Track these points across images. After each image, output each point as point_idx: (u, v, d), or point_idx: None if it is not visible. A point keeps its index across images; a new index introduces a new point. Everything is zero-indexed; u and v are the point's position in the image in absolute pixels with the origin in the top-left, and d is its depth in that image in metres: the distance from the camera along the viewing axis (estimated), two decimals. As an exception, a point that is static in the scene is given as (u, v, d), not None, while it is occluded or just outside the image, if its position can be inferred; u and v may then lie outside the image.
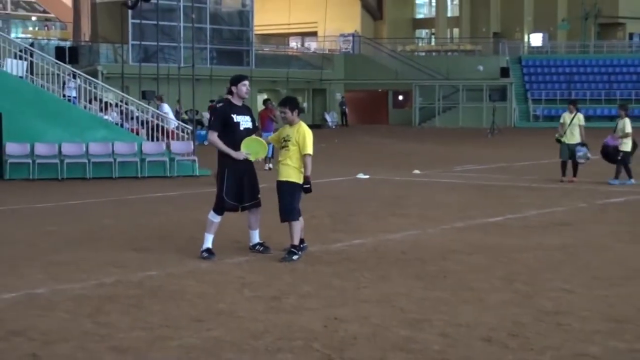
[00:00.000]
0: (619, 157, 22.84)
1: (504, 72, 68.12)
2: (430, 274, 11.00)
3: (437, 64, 71.08)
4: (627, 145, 22.90)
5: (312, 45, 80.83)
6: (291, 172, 11.92)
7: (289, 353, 7.61)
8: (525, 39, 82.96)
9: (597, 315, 8.90)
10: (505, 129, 56.33)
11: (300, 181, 11.90)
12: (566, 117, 23.47)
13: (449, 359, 7.48)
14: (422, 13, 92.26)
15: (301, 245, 12.05)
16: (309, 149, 11.90)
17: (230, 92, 12.23)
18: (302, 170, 11.92)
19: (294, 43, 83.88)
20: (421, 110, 68.42)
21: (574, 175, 22.95)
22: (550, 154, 32.50)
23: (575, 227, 15.02)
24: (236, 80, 12.22)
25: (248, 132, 12.09)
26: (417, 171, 25.75)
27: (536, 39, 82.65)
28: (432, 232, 14.53)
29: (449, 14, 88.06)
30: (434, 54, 79.67)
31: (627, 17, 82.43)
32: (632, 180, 22.50)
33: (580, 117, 23.38)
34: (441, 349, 7.75)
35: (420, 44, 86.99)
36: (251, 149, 11.96)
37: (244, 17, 64.45)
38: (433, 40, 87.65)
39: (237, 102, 12.17)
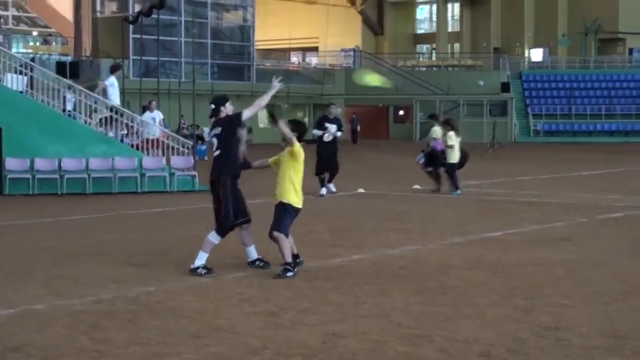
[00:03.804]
0: (445, 169, 23.91)
1: (505, 87, 68.25)
2: (429, 289, 10.97)
3: (437, 79, 71.20)
4: (451, 157, 23.60)
5: (313, 60, 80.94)
6: (284, 192, 11.88)
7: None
8: (526, 54, 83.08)
9: (596, 330, 8.87)
10: (505, 144, 56.38)
11: (295, 203, 11.84)
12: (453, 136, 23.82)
13: (448, 375, 7.46)
14: (422, 28, 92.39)
15: (297, 261, 12.01)
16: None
17: (217, 112, 12.22)
18: (297, 190, 11.90)
19: (295, 58, 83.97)
20: (422, 125, 68.45)
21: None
22: (550, 169, 32.51)
23: (575, 242, 15.00)
24: (225, 100, 12.36)
25: None
26: (417, 186, 25.73)
27: (536, 54, 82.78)
28: (432, 247, 14.51)
29: (450, 29, 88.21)
30: (434, 69, 79.79)
31: (627, 32, 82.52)
32: (459, 192, 23.27)
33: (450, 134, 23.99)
34: (440, 364, 7.73)
35: (421, 59, 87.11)
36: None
37: (245, 32, 64.63)
38: (434, 55, 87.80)
39: None
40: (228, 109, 12.26)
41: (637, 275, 12.02)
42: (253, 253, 12.34)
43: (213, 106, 12.31)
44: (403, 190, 24.83)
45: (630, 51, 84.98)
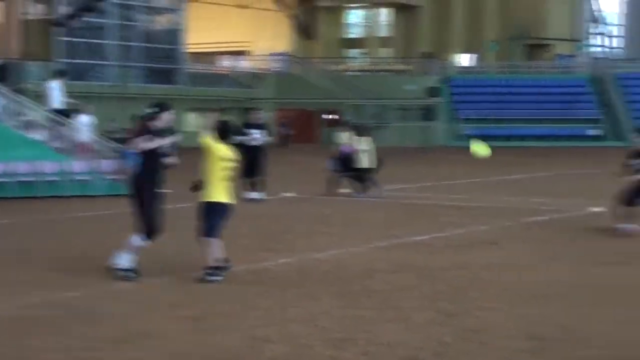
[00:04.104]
0: (356, 174, 24.35)
1: (434, 91, 68.75)
2: (354, 292, 11.00)
3: (368, 84, 71.39)
4: (360, 162, 24.16)
5: (244, 64, 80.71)
6: (209, 191, 11.85)
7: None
8: (455, 60, 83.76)
9: (520, 333, 8.96)
10: (434, 148, 56.74)
11: (221, 199, 11.82)
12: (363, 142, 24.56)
13: (371, 379, 7.48)
14: (353, 33, 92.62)
15: (225, 265, 11.95)
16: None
17: (152, 118, 12.12)
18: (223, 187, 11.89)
19: (225, 62, 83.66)
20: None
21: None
22: (478, 174, 32.81)
23: (500, 246, 15.15)
24: (166, 108, 12.28)
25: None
26: (345, 190, 25.78)
27: (466, 60, 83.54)
28: (358, 250, 14.55)
29: (380, 34, 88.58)
30: (365, 73, 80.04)
31: (554, 38, 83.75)
32: (377, 194, 23.60)
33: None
34: (363, 368, 7.75)
35: (351, 64, 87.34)
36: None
37: (175, 35, 64.23)
38: (364, 59, 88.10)
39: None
40: (164, 118, 12.14)
41: (560, 278, 12.17)
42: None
43: (153, 110, 12.18)
44: (331, 194, 24.86)
45: (557, 57, 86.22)
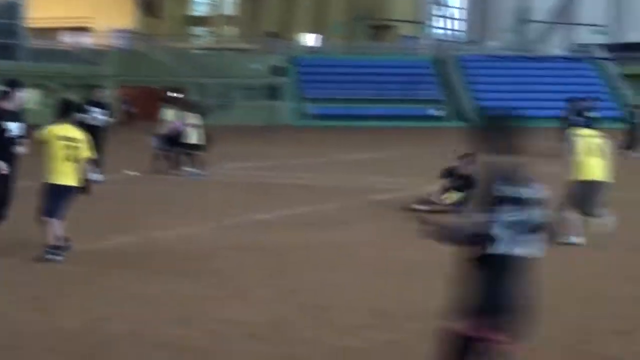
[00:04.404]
0: (184, 150, 24.28)
1: (280, 71, 68.94)
2: (197, 271, 10.96)
3: (213, 62, 71.05)
4: (188, 138, 24.13)
5: (86, 40, 79.18)
6: (52, 172, 11.62)
7: (49, 352, 7.42)
8: (301, 39, 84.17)
9: (360, 308, 9.10)
10: (280, 128, 56.91)
11: (63, 181, 11.58)
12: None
13: (214, 355, 7.47)
14: (198, 10, 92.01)
15: (66, 244, 11.70)
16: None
17: (7, 96, 11.71)
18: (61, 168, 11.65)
19: (67, 38, 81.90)
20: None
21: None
22: (324, 153, 33.10)
23: (343, 224, 15.30)
24: (18, 85, 11.90)
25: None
26: (188, 168, 25.60)
27: (311, 40, 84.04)
28: (201, 229, 14.49)
29: (226, 12, 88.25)
30: (210, 51, 79.64)
31: (397, 20, 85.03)
32: (198, 174, 23.56)
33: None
34: (206, 345, 7.74)
35: (196, 42, 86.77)
36: None
37: (15, 9, 62.52)
38: (210, 38, 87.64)
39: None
40: (17, 98, 11.75)
41: (401, 254, 12.38)
42: None
43: (3, 89, 11.74)
44: (174, 173, 24.64)
45: (400, 38, 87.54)
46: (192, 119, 24.31)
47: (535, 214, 5.18)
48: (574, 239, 13.14)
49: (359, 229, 14.85)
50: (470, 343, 5.20)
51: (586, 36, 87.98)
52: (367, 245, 13.18)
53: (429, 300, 9.52)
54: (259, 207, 17.43)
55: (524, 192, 5.15)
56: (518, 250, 5.12)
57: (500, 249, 5.09)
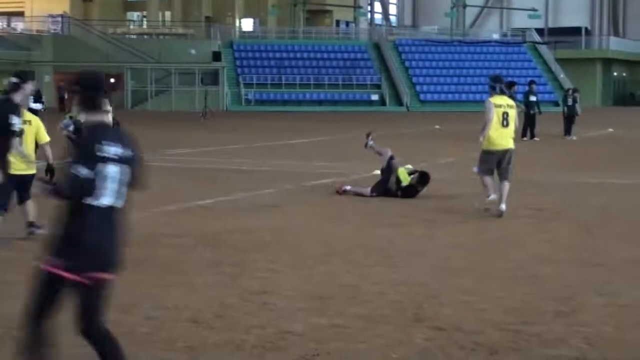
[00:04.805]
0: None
1: (216, 56, 68.73)
2: (138, 257, 10.85)
3: (149, 47, 70.61)
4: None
5: (19, 25, 78.13)
6: None
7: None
8: (237, 24, 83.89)
9: (301, 293, 9.13)
10: (217, 113, 56.69)
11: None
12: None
13: (156, 341, 7.46)
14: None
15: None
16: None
17: (15, 89, 11.45)
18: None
19: (0, 23, 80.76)
20: (133, 93, 67.73)
21: None
22: (261, 138, 33.07)
23: (282, 209, 15.33)
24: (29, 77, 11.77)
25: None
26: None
27: (247, 24, 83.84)
28: (141, 215, 14.35)
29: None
30: (145, 37, 79.12)
31: (334, 4, 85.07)
32: None
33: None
34: (147, 331, 7.72)
35: (131, 27, 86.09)
36: None
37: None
38: (145, 23, 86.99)
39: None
40: (27, 88, 11.54)
41: (339, 239, 12.43)
42: None
43: (16, 80, 11.47)
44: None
45: (337, 23, 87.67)
46: (106, 104, 23.88)
47: (127, 171, 5.87)
48: (492, 196, 14.66)
49: (298, 213, 14.89)
50: (54, 279, 5.75)
51: (522, 20, 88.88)
52: (307, 230, 13.22)
53: (365, 285, 9.60)
54: (198, 193, 17.38)
55: (120, 151, 5.81)
56: (109, 201, 5.77)
57: (95, 200, 5.68)
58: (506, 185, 14.63)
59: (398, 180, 16.93)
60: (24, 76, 11.67)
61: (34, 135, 11.96)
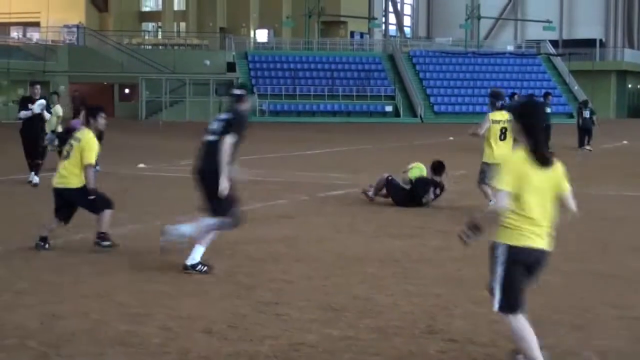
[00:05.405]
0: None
1: (231, 66, 68.90)
2: (152, 267, 10.93)
3: (163, 58, 70.79)
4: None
5: (35, 35, 78.45)
6: None
7: (2, 352, 7.37)
8: (252, 35, 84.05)
9: (314, 304, 9.14)
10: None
11: None
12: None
13: (169, 352, 7.47)
14: (148, 6, 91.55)
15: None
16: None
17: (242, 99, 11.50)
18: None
19: (15, 33, 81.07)
20: (148, 103, 67.92)
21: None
22: (275, 149, 33.09)
23: (296, 220, 15.35)
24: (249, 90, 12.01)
25: None
26: (142, 165, 25.54)
27: (262, 35, 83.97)
28: (156, 225, 14.41)
29: (176, 8, 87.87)
30: (160, 47, 79.30)
31: (349, 15, 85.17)
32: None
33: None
34: (161, 342, 7.73)
35: (146, 37, 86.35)
36: None
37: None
38: (160, 33, 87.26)
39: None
40: (249, 102, 11.58)
41: (353, 250, 12.44)
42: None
43: (239, 92, 11.58)
44: (128, 169, 24.57)
45: (352, 34, 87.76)
46: (60, 111, 23.80)
47: None
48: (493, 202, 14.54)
49: (312, 224, 14.90)
50: None
51: (536, 32, 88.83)
52: (321, 240, 13.22)
53: (378, 296, 9.60)
54: (212, 203, 17.35)
55: None
56: None
57: None
58: None
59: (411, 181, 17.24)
60: (247, 89, 11.89)
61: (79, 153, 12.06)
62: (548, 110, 33.74)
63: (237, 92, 11.50)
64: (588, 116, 35.53)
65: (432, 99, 70.85)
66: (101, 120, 12.76)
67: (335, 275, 10.63)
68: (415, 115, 68.63)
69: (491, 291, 6.88)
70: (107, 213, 12.07)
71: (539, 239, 6.76)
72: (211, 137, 11.15)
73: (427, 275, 10.79)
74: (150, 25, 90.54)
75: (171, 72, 68.66)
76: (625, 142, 41.09)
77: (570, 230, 14.25)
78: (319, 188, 20.30)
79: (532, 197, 6.67)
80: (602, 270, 11.15)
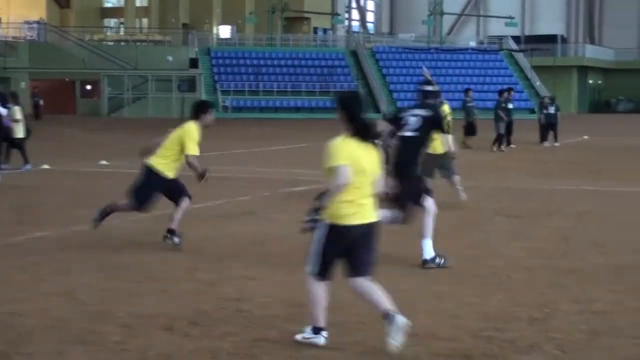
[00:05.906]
0: (13, 144, 23.66)
1: (193, 63, 68.73)
2: (113, 265, 10.88)
3: (126, 54, 70.45)
4: (18, 132, 23.64)
5: (-4, 32, 77.83)
6: None
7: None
8: (214, 31, 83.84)
9: (277, 300, 9.13)
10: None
11: None
12: None
13: (129, 349, 7.44)
14: (110, 2, 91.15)
15: None
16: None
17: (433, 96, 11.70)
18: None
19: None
20: (110, 100, 67.57)
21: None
22: (238, 145, 33.05)
23: (259, 216, 15.34)
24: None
25: None
26: (104, 162, 25.40)
27: (225, 31, 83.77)
28: (118, 223, 14.35)
29: (138, 4, 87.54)
30: (122, 43, 78.91)
31: (312, 12, 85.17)
32: (29, 166, 23.29)
33: None
34: (121, 339, 7.70)
35: (108, 33, 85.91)
36: None
37: None
38: (122, 29, 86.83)
39: None
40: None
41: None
42: None
43: (431, 88, 11.54)
44: (90, 167, 24.43)
45: (315, 30, 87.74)
46: (18, 112, 23.65)
47: None
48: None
49: (274, 220, 14.89)
50: None
51: (498, 28, 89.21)
52: (283, 237, 13.21)
53: (342, 291, 9.59)
54: (174, 200, 17.29)
55: None
56: None
57: None
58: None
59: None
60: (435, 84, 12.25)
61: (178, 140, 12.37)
62: (510, 105, 33.92)
63: (429, 88, 11.61)
64: (553, 112, 35.79)
65: (395, 95, 71.00)
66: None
67: (297, 271, 10.58)
68: (378, 111, 68.75)
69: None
70: None
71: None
72: (410, 133, 11.30)
73: (389, 270, 10.77)
74: (112, 22, 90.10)
75: (133, 68, 68.34)
76: (586, 137, 41.39)
77: (534, 226, 14.39)
78: (282, 184, 20.29)
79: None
80: (564, 265, 11.22)
